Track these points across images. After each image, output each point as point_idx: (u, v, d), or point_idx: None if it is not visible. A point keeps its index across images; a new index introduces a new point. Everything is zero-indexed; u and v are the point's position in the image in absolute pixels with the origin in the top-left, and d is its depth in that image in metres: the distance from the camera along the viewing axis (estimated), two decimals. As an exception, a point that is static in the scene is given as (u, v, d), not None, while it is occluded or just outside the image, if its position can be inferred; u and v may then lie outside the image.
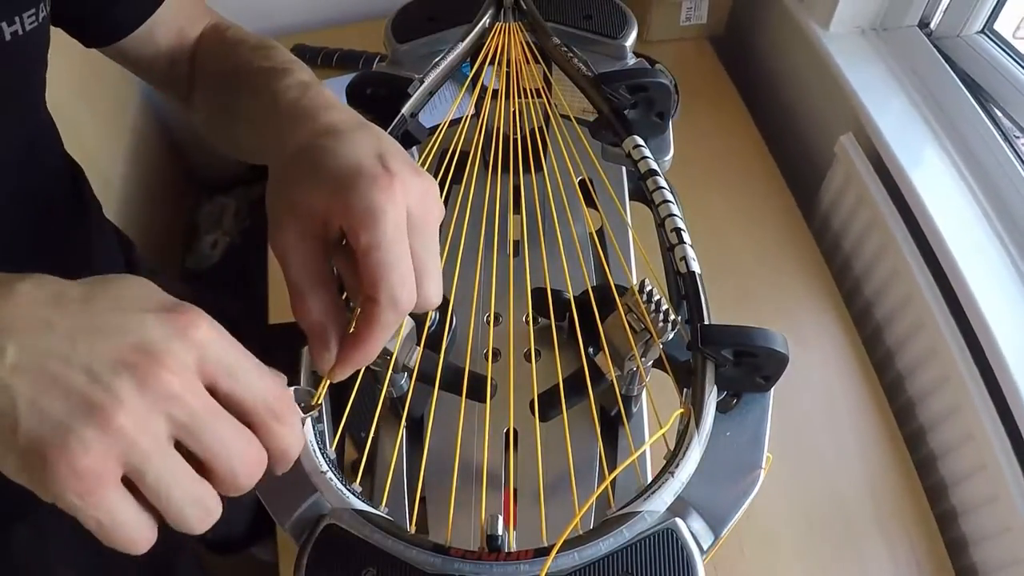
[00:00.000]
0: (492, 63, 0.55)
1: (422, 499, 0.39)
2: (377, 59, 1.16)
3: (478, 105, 0.56)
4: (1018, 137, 0.89)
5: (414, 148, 0.52)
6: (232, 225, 1.52)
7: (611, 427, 0.45)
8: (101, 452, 0.23)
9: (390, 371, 0.40)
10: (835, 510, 0.81)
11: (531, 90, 0.53)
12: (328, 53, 1.20)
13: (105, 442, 0.23)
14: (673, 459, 0.34)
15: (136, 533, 0.25)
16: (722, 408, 0.37)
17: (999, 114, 0.91)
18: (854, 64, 0.99)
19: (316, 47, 1.21)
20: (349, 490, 0.33)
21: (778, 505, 0.79)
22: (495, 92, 0.54)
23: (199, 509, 0.26)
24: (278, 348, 0.35)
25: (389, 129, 0.49)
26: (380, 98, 0.50)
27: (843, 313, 0.95)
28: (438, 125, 0.54)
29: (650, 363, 0.40)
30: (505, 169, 0.55)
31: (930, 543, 0.78)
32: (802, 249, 1.01)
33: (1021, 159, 0.85)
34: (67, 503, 0.24)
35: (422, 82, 0.51)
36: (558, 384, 0.41)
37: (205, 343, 0.26)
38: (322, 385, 0.34)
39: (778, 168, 1.10)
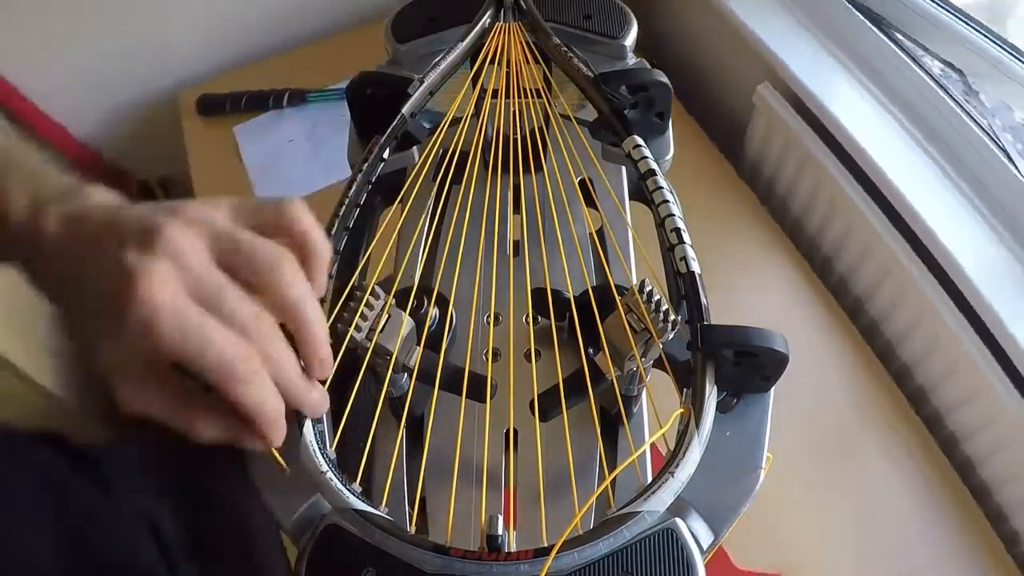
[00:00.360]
0: (492, 63, 0.55)
1: (422, 499, 0.39)
2: (288, 93, 1.14)
3: (478, 105, 0.56)
4: (922, 56, 0.95)
5: (414, 148, 0.52)
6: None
7: (611, 427, 0.45)
8: (164, 273, 0.28)
9: (390, 371, 0.40)
10: (824, 427, 0.87)
11: (531, 90, 0.53)
12: (235, 97, 1.16)
13: (163, 263, 0.28)
14: (673, 459, 0.34)
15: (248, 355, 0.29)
16: (722, 408, 0.37)
17: (901, 38, 0.97)
18: (758, 17, 1.04)
19: (221, 94, 1.16)
20: (349, 490, 0.33)
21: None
22: (495, 92, 0.54)
23: (266, 325, 0.30)
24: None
25: (389, 129, 0.49)
26: (380, 98, 0.50)
27: (793, 252, 1.00)
28: (438, 125, 0.54)
29: (650, 363, 0.40)
30: (505, 169, 0.55)
31: (919, 437, 0.86)
32: (739, 201, 1.05)
33: (929, 74, 0.92)
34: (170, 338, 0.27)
35: (422, 82, 0.51)
36: (558, 384, 0.41)
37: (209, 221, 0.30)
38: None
39: (700, 127, 1.13)
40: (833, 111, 0.94)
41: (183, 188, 1.23)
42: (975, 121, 0.89)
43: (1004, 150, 0.87)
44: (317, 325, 0.32)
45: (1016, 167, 0.85)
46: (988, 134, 0.88)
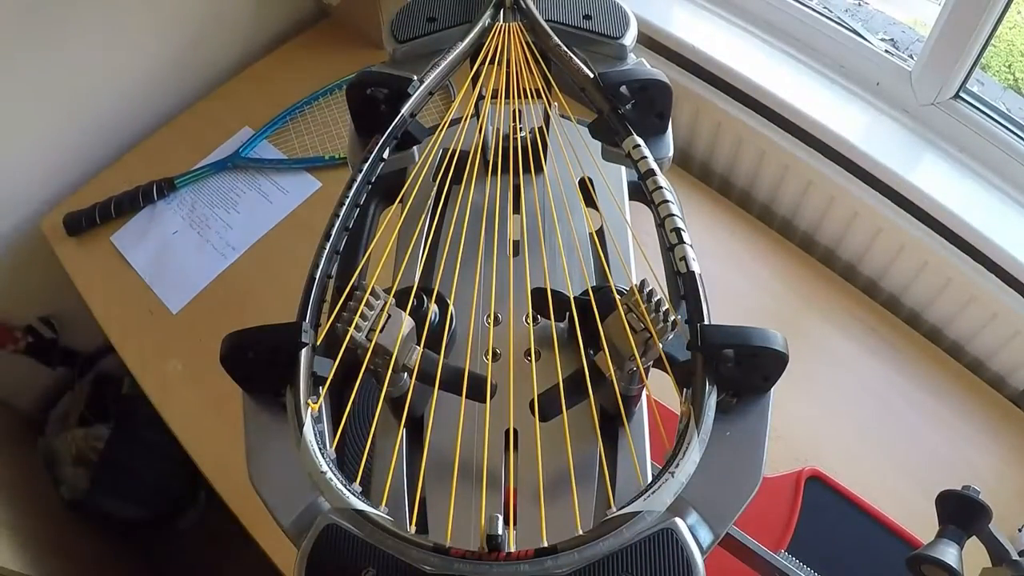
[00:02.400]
0: (492, 63, 0.55)
1: (422, 499, 0.39)
2: (156, 186, 1.06)
3: (478, 105, 0.56)
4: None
5: (414, 148, 0.52)
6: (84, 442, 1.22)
7: (611, 427, 0.45)
8: None
9: (390, 371, 0.40)
10: (768, 321, 0.92)
11: (531, 90, 0.53)
12: (102, 207, 1.05)
13: None
14: (673, 459, 0.34)
15: None
16: (722, 408, 0.37)
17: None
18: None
19: (86, 208, 1.06)
20: (349, 490, 0.33)
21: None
22: (495, 92, 0.54)
23: None
24: (280, 348, 0.35)
25: (389, 129, 0.49)
26: (380, 98, 0.50)
27: (707, 191, 1.09)
28: (438, 125, 0.54)
29: (650, 363, 0.41)
30: (505, 169, 0.55)
31: (879, 315, 0.97)
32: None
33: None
34: None
35: (422, 82, 0.51)
36: (558, 384, 0.41)
37: None
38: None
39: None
40: (680, 35, 1.03)
41: (75, 317, 1.14)
42: (819, 13, 1.01)
43: (853, 30, 1.00)
44: None
45: (866, 39, 0.99)
46: (834, 20, 1.01)
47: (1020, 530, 0.71)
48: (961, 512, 0.50)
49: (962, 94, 0.94)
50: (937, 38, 0.90)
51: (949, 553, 0.47)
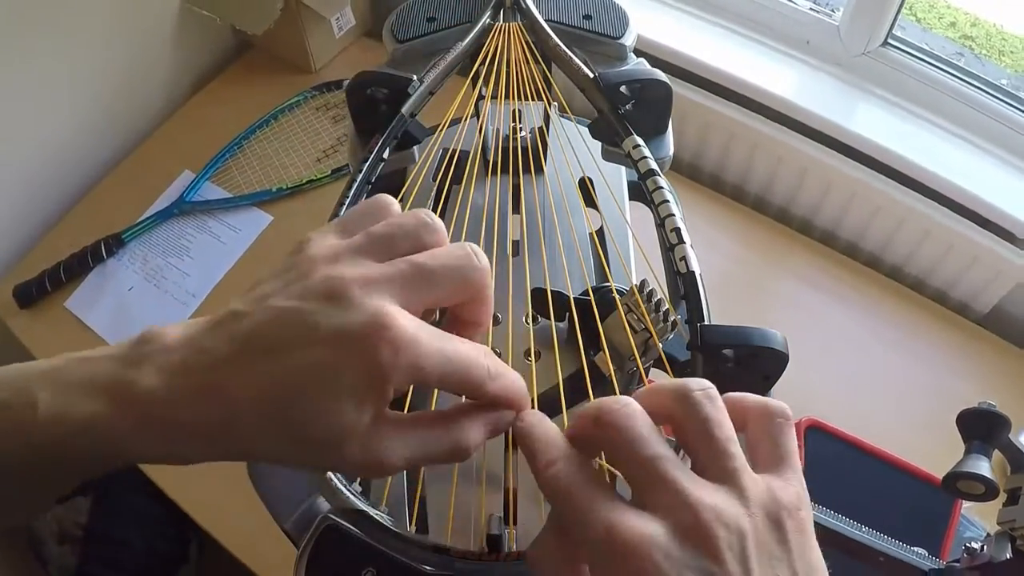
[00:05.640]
0: (492, 63, 0.55)
1: (422, 499, 0.39)
2: (103, 244, 1.02)
3: (478, 105, 0.56)
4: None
5: (414, 148, 0.52)
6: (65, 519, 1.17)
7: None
8: (388, 304, 0.25)
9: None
10: (736, 286, 0.99)
11: (531, 90, 0.53)
12: (51, 273, 1.00)
13: (376, 301, 0.25)
14: (673, 459, 0.34)
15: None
16: (722, 408, 0.37)
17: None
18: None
19: (35, 278, 1.00)
20: (349, 490, 0.33)
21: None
22: (495, 92, 0.54)
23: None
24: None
25: (389, 129, 0.49)
26: (380, 98, 0.50)
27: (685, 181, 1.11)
28: (438, 125, 0.54)
29: (650, 363, 0.40)
30: (505, 169, 0.55)
31: (828, 255, 1.02)
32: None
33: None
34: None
35: (422, 82, 0.51)
36: (558, 384, 0.41)
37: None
38: None
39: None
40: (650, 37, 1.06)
41: None
42: None
43: None
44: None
45: (791, 0, 1.04)
46: None
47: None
48: (983, 426, 0.52)
49: (890, 40, 0.98)
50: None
51: (981, 466, 0.50)
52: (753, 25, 1.07)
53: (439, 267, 0.27)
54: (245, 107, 1.17)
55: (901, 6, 0.95)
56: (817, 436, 0.81)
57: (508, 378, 0.29)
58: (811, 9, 1.04)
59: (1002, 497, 0.50)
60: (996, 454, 0.51)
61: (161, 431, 0.25)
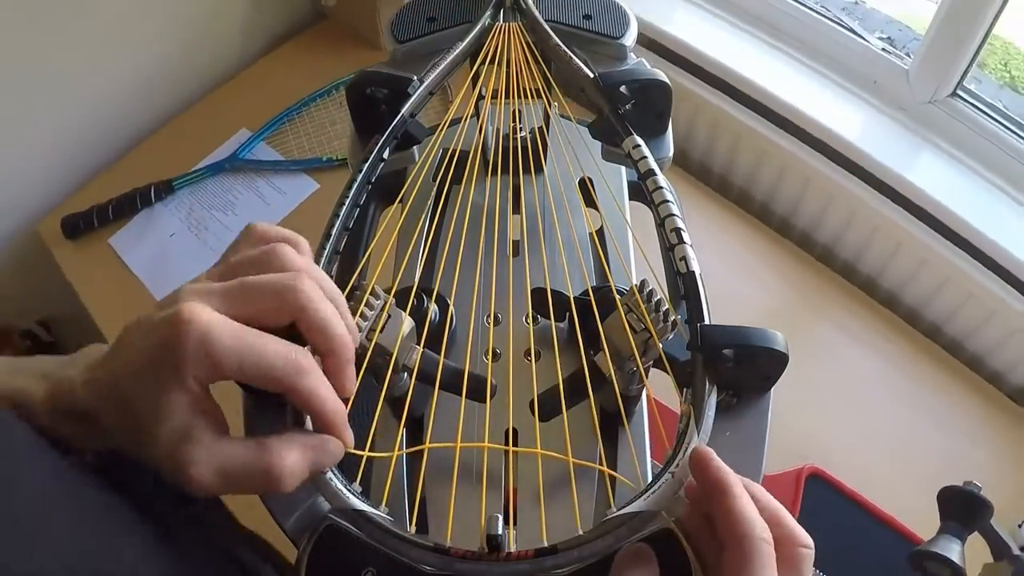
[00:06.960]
0: (492, 63, 0.55)
1: (422, 499, 0.39)
2: (153, 189, 1.06)
3: (478, 105, 0.56)
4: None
5: (414, 148, 0.52)
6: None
7: (611, 427, 0.45)
8: (198, 301, 0.29)
9: (390, 371, 0.40)
10: (767, 319, 0.96)
11: (531, 90, 0.53)
12: (100, 210, 1.05)
13: (194, 298, 0.30)
14: (673, 459, 0.34)
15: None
16: (722, 408, 0.37)
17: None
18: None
19: (84, 211, 1.05)
20: (349, 490, 0.33)
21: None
22: (495, 92, 0.54)
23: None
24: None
25: (389, 129, 0.49)
26: (380, 98, 0.50)
27: (705, 189, 1.10)
28: (438, 125, 0.54)
29: (650, 363, 0.41)
30: (505, 169, 0.55)
31: (881, 315, 0.98)
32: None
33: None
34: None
35: (422, 82, 0.51)
36: (558, 384, 0.41)
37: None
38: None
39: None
40: (681, 37, 1.05)
41: (73, 321, 1.11)
42: (816, 12, 1.04)
43: (851, 28, 1.01)
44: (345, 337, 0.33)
45: (863, 38, 1.01)
46: (831, 19, 1.02)
47: (1020, 526, 0.71)
48: (962, 508, 0.50)
49: (959, 92, 0.95)
50: (934, 36, 0.90)
51: (952, 549, 0.48)
52: (821, 58, 1.04)
53: (257, 283, 0.31)
54: (311, 75, 1.18)
55: (974, 58, 0.91)
56: (817, 484, 0.80)
57: (322, 380, 0.31)
58: (883, 50, 1.00)
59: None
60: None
61: (66, 409, 0.32)
